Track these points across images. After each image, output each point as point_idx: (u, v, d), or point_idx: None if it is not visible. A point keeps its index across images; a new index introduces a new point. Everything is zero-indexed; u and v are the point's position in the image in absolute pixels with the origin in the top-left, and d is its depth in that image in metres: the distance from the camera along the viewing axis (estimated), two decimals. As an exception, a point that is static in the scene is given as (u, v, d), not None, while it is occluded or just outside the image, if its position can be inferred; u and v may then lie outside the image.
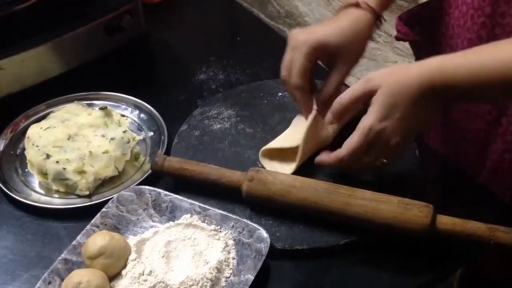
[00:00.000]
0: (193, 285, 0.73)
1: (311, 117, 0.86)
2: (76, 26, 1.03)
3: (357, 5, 0.86)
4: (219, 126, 0.96)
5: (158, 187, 0.84)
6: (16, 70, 0.99)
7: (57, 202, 0.87)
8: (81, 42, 1.05)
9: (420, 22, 0.99)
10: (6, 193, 0.87)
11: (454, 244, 0.77)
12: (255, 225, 0.78)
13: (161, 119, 0.98)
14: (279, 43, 0.93)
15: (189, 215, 0.81)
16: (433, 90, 0.73)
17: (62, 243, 0.81)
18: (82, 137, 0.90)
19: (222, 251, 0.76)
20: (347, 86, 0.85)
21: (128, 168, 0.91)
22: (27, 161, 0.90)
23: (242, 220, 0.79)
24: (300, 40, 0.84)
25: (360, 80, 0.77)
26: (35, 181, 0.90)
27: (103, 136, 0.90)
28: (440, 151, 1.00)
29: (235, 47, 1.20)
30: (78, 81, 1.04)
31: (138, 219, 0.82)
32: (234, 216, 0.80)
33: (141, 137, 0.95)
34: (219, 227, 0.80)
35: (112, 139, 0.89)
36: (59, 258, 0.76)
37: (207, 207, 0.81)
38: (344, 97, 0.79)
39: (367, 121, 0.75)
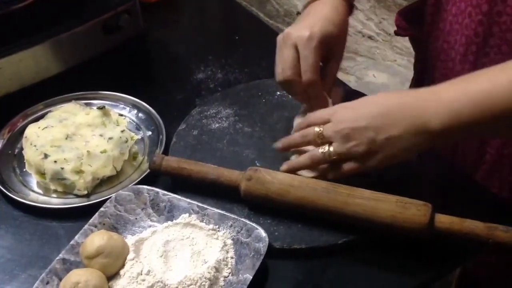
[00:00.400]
0: (191, 284, 0.73)
1: None
2: (74, 26, 1.03)
3: None
4: (217, 125, 0.96)
5: (156, 187, 0.84)
6: (14, 70, 0.99)
7: (55, 201, 0.87)
8: (79, 41, 1.04)
9: (419, 17, 0.99)
10: (4, 193, 0.87)
11: (453, 243, 0.77)
12: (254, 225, 0.78)
13: (159, 118, 0.98)
14: (278, 42, 0.92)
15: (187, 214, 0.80)
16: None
17: (60, 243, 0.81)
18: (80, 136, 0.90)
19: (220, 251, 0.76)
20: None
21: (126, 167, 0.91)
22: (25, 161, 0.90)
23: (240, 220, 0.79)
24: (306, 36, 0.83)
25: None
26: (33, 180, 0.90)
27: (101, 135, 0.90)
28: (437, 150, 1.00)
29: (233, 46, 1.20)
30: (76, 81, 1.03)
31: (136, 218, 0.82)
32: (233, 216, 0.79)
33: (139, 137, 0.95)
34: (217, 226, 0.79)
35: (110, 138, 0.89)
36: (57, 258, 0.75)
37: (205, 206, 0.81)
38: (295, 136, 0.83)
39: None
